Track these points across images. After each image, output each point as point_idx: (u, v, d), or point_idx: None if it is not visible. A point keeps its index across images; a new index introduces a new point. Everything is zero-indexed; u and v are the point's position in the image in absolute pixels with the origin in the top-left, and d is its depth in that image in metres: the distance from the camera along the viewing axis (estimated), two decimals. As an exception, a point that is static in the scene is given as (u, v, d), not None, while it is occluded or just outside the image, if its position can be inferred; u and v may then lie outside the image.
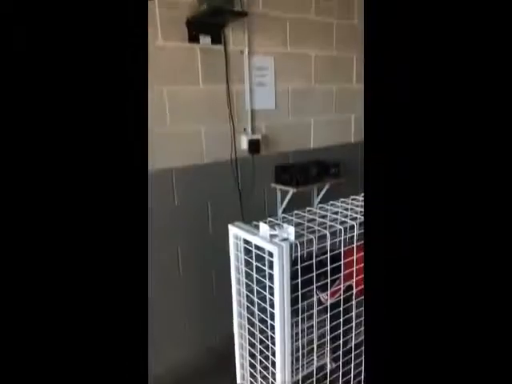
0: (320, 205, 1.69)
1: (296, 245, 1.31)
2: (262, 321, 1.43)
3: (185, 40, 1.73)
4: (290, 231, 1.27)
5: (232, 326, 1.64)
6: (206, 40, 1.76)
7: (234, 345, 1.66)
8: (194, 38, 1.74)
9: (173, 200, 1.86)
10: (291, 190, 2.09)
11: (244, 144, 2.02)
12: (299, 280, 1.34)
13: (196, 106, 1.84)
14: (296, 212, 1.57)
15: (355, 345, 1.67)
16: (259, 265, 1.37)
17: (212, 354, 2.10)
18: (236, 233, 1.44)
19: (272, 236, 1.28)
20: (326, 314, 1.54)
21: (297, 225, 1.43)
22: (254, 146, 2.03)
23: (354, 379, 1.68)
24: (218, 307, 2.08)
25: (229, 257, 1.59)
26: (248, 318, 1.55)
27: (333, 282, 1.50)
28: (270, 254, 1.28)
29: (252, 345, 1.58)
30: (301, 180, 2.09)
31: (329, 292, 1.49)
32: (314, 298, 1.49)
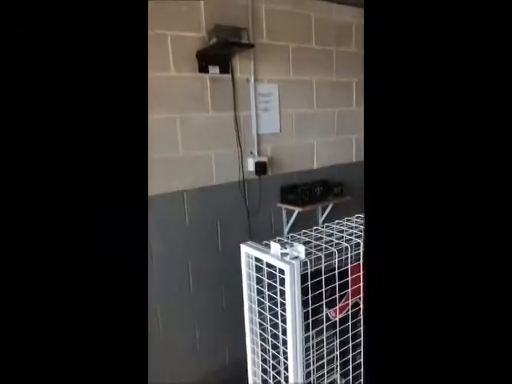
0: (326, 223, 1.77)
1: (305, 262, 1.38)
2: (275, 336, 1.49)
3: (195, 70, 1.85)
4: (300, 249, 1.34)
5: (243, 342, 1.69)
6: (214, 70, 1.88)
7: (245, 364, 1.70)
8: (203, 69, 1.86)
9: (184, 220, 1.94)
10: (297, 210, 2.17)
11: (251, 166, 2.11)
12: (309, 296, 1.40)
13: (206, 132, 1.94)
14: (304, 231, 1.65)
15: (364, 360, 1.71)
16: (270, 282, 1.44)
17: (223, 373, 2.14)
18: (248, 251, 1.52)
19: (283, 254, 1.35)
20: (335, 329, 1.60)
21: (305, 243, 1.50)
22: (260, 167, 2.12)
23: (363, 394, 1.72)
24: (228, 324, 2.13)
25: (237, 273, 1.66)
26: (260, 334, 1.60)
27: (341, 297, 1.56)
28: (281, 272, 1.36)
29: (264, 360, 1.63)
30: (306, 199, 2.17)
31: (337, 307, 1.55)
32: (324, 314, 1.55)
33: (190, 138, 1.89)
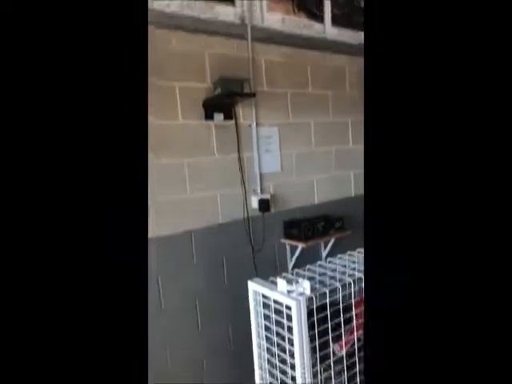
0: (329, 258, 1.85)
1: (311, 298, 1.45)
2: (283, 372, 1.53)
3: (201, 118, 1.99)
4: (305, 286, 1.41)
5: (251, 378, 1.72)
6: (219, 117, 2.02)
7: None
8: (209, 116, 2.00)
9: (192, 259, 2.02)
10: (300, 245, 2.25)
11: (255, 203, 2.22)
12: (316, 331, 1.46)
13: (212, 173, 2.06)
14: (308, 267, 1.73)
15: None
16: (278, 318, 1.50)
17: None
18: (255, 289, 1.59)
19: (289, 291, 1.43)
20: (342, 364, 1.63)
21: (310, 279, 1.58)
22: (263, 204, 2.22)
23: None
24: (236, 359, 2.15)
25: (244, 308, 1.71)
26: (269, 371, 1.64)
27: (345, 332, 1.61)
28: (288, 307, 1.42)
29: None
30: (308, 234, 2.25)
31: (343, 341, 1.60)
32: (331, 349, 1.59)
33: (197, 180, 2.01)
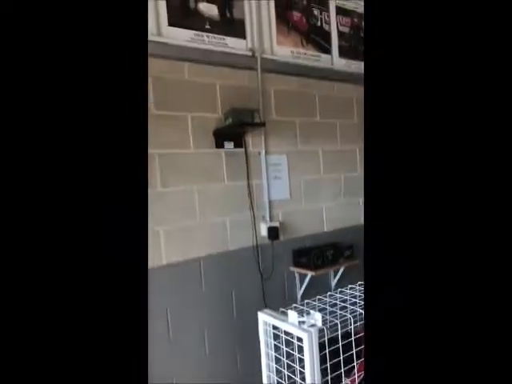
0: (340, 289, 1.82)
1: (322, 329, 1.42)
2: (294, 408, 1.48)
3: (212, 147, 2.03)
4: (316, 317, 1.39)
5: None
6: (229, 145, 2.06)
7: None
8: (219, 145, 2.04)
9: (200, 287, 2.00)
10: (309, 273, 2.23)
11: (264, 231, 2.21)
12: (328, 364, 1.42)
13: (221, 200, 2.08)
14: (319, 297, 1.70)
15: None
16: (288, 350, 1.47)
17: None
18: (265, 319, 1.56)
19: (300, 322, 1.40)
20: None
21: (320, 310, 1.55)
22: (272, 232, 2.22)
23: None
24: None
25: (252, 338, 1.68)
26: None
27: (357, 365, 1.56)
28: (299, 339, 1.39)
29: None
30: (318, 263, 2.23)
31: (356, 376, 1.55)
32: (343, 382, 1.54)
33: (207, 207, 2.02)
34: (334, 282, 2.45)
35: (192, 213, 1.99)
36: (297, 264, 2.30)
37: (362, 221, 2.71)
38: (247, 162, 2.15)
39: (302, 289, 2.32)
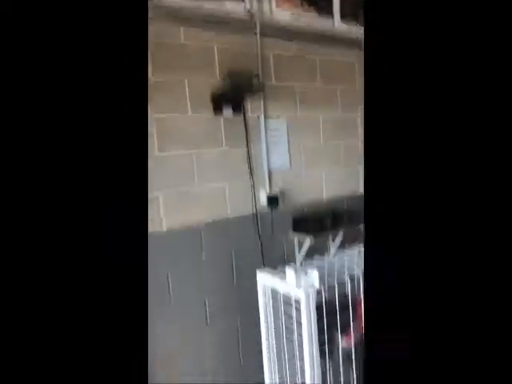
0: (338, 253, 1.84)
1: (319, 290, 1.44)
2: (293, 366, 1.52)
3: (210, 111, 2.00)
4: (314, 277, 1.41)
5: (261, 370, 1.71)
6: (227, 110, 2.02)
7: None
8: (217, 110, 2.00)
9: (200, 254, 2.02)
10: (308, 240, 2.24)
11: (263, 199, 2.21)
12: (324, 322, 1.45)
13: (220, 166, 2.07)
14: (317, 259, 1.72)
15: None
16: (287, 309, 1.49)
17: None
18: (264, 280, 1.58)
19: (298, 282, 1.42)
20: (350, 360, 1.62)
21: (318, 271, 1.56)
22: (272, 201, 2.22)
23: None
24: (246, 353, 2.15)
25: (252, 304, 1.71)
26: (277, 363, 1.63)
27: (354, 325, 1.60)
28: (297, 299, 1.42)
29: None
30: (317, 230, 2.25)
31: (351, 335, 1.59)
32: (339, 342, 1.58)
33: (206, 172, 2.02)
34: (333, 249, 2.47)
35: (190, 178, 1.98)
36: (296, 231, 2.31)
37: (361, 189, 2.70)
38: (246, 127, 2.12)
39: (301, 256, 2.34)
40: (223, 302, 2.10)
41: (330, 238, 2.44)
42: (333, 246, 2.48)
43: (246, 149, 2.14)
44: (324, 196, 2.52)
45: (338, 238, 2.43)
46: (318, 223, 2.31)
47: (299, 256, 2.36)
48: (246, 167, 2.15)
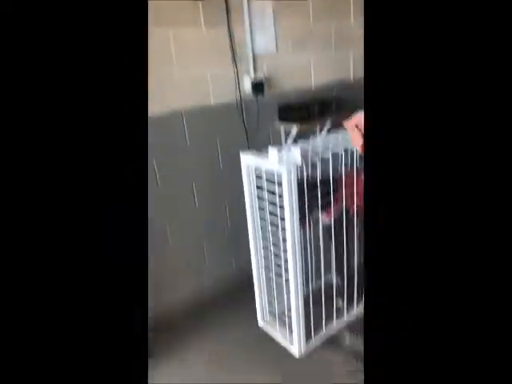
0: (323, 135, 1.82)
1: (301, 167, 1.46)
2: (275, 234, 1.62)
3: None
4: (296, 153, 1.41)
5: (248, 251, 1.84)
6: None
7: (250, 271, 1.87)
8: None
9: (185, 140, 2.00)
10: (295, 128, 2.21)
11: (248, 85, 2.11)
12: (305, 198, 1.50)
13: (201, 50, 1.92)
14: (301, 141, 1.71)
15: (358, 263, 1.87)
16: (269, 187, 1.53)
17: (231, 279, 2.34)
18: (247, 160, 1.59)
19: (280, 159, 1.43)
20: (331, 234, 1.72)
21: (302, 150, 1.56)
22: (257, 86, 2.12)
23: (357, 293, 1.90)
24: (233, 235, 2.29)
25: (238, 188, 1.75)
26: (262, 240, 1.74)
27: (335, 201, 1.66)
28: (279, 177, 1.44)
29: (267, 266, 1.79)
30: (304, 118, 2.20)
31: (332, 210, 1.66)
32: (320, 217, 1.66)
33: (186, 56, 1.88)
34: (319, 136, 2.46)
35: (169, 61, 1.85)
36: (282, 119, 2.27)
37: (351, 76, 2.58)
38: (227, 7, 1.92)
39: (288, 143, 2.33)
40: (210, 186, 2.16)
41: (318, 126, 2.41)
42: (320, 134, 2.47)
43: (227, 29, 1.96)
44: (312, 83, 2.41)
45: (326, 127, 2.40)
46: (305, 111, 2.25)
47: (286, 145, 2.35)
48: (228, 51, 2.00)
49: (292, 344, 1.72)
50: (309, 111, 2.25)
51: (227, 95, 2.07)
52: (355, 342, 1.81)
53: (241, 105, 2.12)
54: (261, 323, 1.95)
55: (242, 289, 2.12)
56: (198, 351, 1.88)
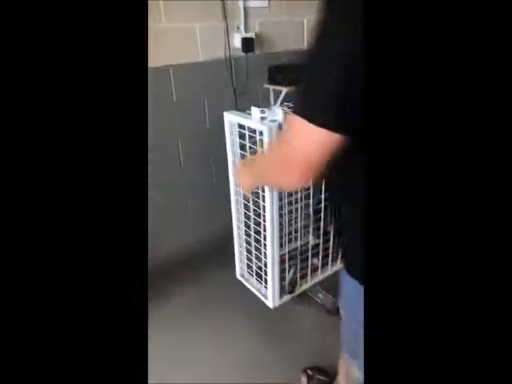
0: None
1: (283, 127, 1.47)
2: (255, 201, 1.66)
3: None
4: (278, 113, 1.42)
5: (231, 211, 1.88)
6: None
7: (231, 230, 1.92)
8: None
9: (171, 96, 1.98)
10: (284, 90, 2.19)
11: (237, 42, 2.07)
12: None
13: (190, 3, 1.86)
14: (287, 103, 1.71)
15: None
16: (252, 145, 1.55)
17: (213, 237, 2.41)
18: (231, 119, 1.60)
19: (263, 118, 1.44)
20: (309, 198, 1.76)
21: (286, 112, 1.57)
22: (247, 43, 2.08)
23: (332, 253, 1.98)
24: (217, 194, 2.33)
25: (225, 147, 1.76)
26: (244, 204, 1.78)
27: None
28: (261, 133, 1.45)
29: (248, 226, 1.84)
30: (294, 79, 2.18)
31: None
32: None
33: (173, 9, 1.82)
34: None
35: (157, 13, 1.80)
36: (272, 81, 2.24)
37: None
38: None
39: (277, 105, 2.32)
40: (196, 144, 2.16)
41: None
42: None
43: (218, -21, 1.90)
44: (305, 44, 2.36)
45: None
46: (295, 74, 2.22)
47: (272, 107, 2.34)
48: (218, 5, 1.94)
49: (267, 299, 1.81)
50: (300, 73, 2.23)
51: (216, 52, 2.03)
52: (326, 297, 1.91)
53: (230, 62, 2.09)
54: (239, 277, 2.03)
55: (225, 246, 2.18)
56: (180, 299, 2.00)
